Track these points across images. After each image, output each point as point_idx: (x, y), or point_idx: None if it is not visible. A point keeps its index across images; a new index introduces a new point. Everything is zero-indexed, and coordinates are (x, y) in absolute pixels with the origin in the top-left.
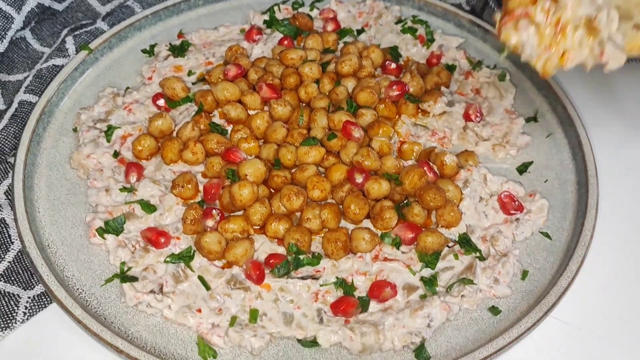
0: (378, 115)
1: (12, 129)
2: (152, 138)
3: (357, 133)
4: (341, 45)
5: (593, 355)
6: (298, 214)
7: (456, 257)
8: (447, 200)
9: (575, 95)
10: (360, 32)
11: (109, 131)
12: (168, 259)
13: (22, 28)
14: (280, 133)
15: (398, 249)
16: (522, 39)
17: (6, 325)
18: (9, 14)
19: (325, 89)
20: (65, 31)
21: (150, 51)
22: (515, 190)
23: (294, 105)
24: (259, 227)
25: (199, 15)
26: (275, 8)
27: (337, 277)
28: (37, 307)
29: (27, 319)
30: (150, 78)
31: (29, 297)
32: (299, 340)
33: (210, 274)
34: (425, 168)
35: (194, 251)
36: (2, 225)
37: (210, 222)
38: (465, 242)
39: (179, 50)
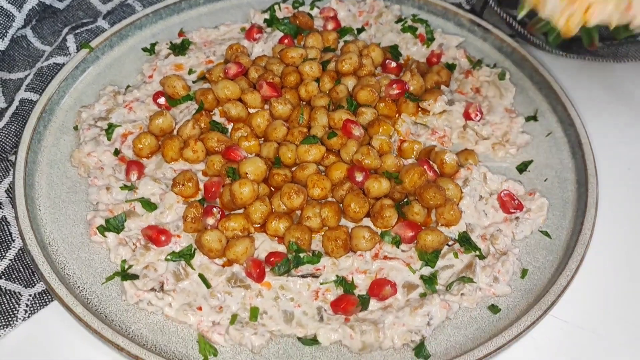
0: (378, 114)
1: (13, 127)
2: (153, 136)
3: (357, 131)
4: (341, 44)
5: (592, 353)
6: (298, 212)
7: (456, 255)
8: (447, 199)
9: (575, 94)
10: (360, 30)
11: (109, 129)
12: (169, 257)
13: (23, 26)
14: (280, 131)
15: (398, 247)
16: None
17: (7, 323)
18: (10, 12)
19: (326, 87)
20: (66, 29)
21: (151, 49)
22: (515, 189)
23: (294, 104)
24: (259, 226)
25: (199, 14)
26: (276, 7)
27: (337, 276)
28: (38, 304)
29: (28, 317)
30: (150, 76)
31: (30, 295)
32: (299, 339)
33: (210, 272)
34: (425, 167)
35: (195, 249)
36: (3, 223)
37: (210, 220)
38: (465, 241)
39: (180, 48)
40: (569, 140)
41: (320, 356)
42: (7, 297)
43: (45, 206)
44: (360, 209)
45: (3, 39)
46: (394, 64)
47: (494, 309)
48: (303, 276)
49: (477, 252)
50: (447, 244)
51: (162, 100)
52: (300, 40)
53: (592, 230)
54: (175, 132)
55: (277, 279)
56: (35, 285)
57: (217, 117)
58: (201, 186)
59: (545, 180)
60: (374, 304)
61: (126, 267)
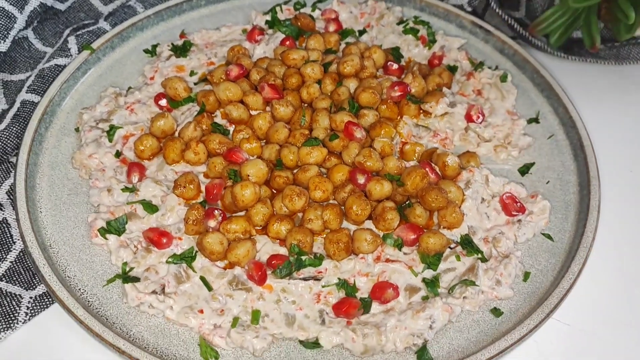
0: (380, 116)
1: (15, 129)
2: (154, 138)
3: (359, 134)
4: (343, 45)
5: (595, 357)
6: (300, 214)
7: (458, 258)
8: (449, 202)
9: (576, 96)
10: (362, 32)
11: (111, 131)
12: (170, 260)
13: (25, 28)
14: (282, 133)
15: (400, 250)
16: None
17: (8, 325)
18: (12, 14)
19: (327, 89)
20: (67, 31)
21: (152, 51)
22: (517, 192)
23: (295, 106)
24: (261, 228)
25: (201, 16)
26: (277, 8)
27: (339, 278)
28: (38, 307)
29: (29, 319)
30: (152, 78)
31: (30, 298)
32: (300, 342)
33: (212, 275)
34: (427, 169)
35: (196, 252)
36: (4, 225)
37: (212, 223)
38: (467, 244)
39: (181, 50)
40: (571, 142)
41: (322, 359)
42: (8, 299)
43: (46, 208)
44: (362, 211)
45: (4, 41)
46: (395, 66)
47: (496, 312)
48: (305, 279)
49: (480, 255)
50: (449, 247)
51: (163, 102)
52: (301, 42)
53: (595, 233)
54: (176, 134)
55: (279, 281)
56: (36, 287)
57: (218, 119)
58: (202, 188)
59: (547, 183)
60: (376, 307)
61: (127, 269)
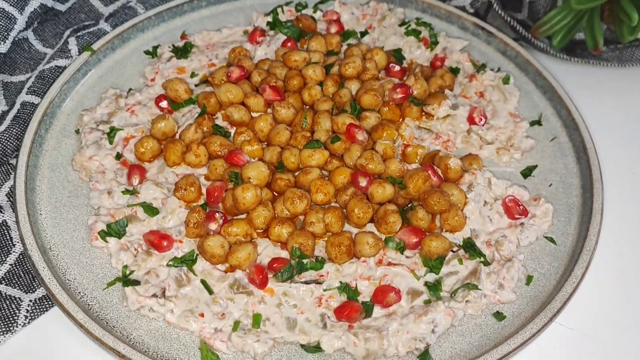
0: (382, 118)
1: (14, 131)
2: (155, 140)
3: (360, 136)
4: (344, 47)
5: None
6: (301, 217)
7: (460, 261)
8: (451, 204)
9: (579, 98)
10: (363, 34)
11: (111, 133)
12: (171, 263)
13: (25, 29)
14: (283, 136)
15: (402, 253)
16: None
17: (7, 328)
18: (12, 15)
19: (329, 91)
20: (67, 32)
21: (153, 52)
22: (520, 194)
23: (297, 108)
24: (262, 231)
25: (202, 17)
26: (279, 10)
27: (340, 282)
28: (38, 310)
29: (29, 323)
30: (153, 80)
31: (30, 301)
32: (302, 346)
33: (213, 278)
34: (429, 172)
35: (197, 255)
36: (4, 227)
37: (213, 226)
38: (469, 247)
39: (182, 51)
40: (574, 144)
41: None
42: (8, 302)
43: (46, 210)
44: (364, 214)
45: (5, 42)
46: (397, 68)
47: (499, 316)
48: (306, 282)
49: (482, 259)
50: (452, 250)
51: (164, 103)
52: (303, 43)
53: (598, 237)
54: (177, 136)
55: (280, 285)
56: (35, 290)
57: (219, 121)
58: (203, 191)
59: (549, 186)
60: (377, 310)
61: (127, 272)
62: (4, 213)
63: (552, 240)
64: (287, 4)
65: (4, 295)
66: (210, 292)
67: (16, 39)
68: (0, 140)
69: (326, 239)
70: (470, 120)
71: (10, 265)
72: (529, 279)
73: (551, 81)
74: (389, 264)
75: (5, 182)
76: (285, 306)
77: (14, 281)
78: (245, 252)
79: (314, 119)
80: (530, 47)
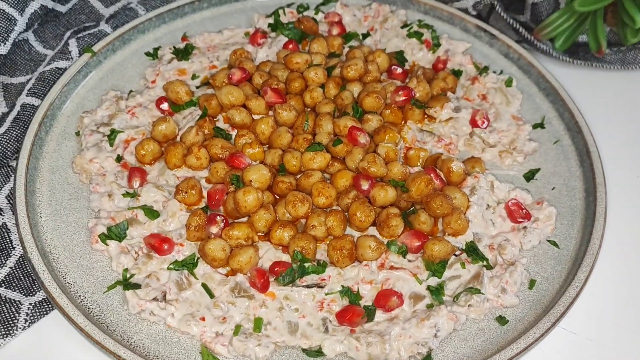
0: (384, 121)
1: (14, 133)
2: (156, 142)
3: (362, 139)
4: (346, 49)
5: None
6: (303, 221)
7: (463, 265)
8: (454, 208)
9: (582, 101)
10: (365, 36)
11: (112, 135)
12: (171, 266)
13: (25, 30)
14: (285, 138)
15: (404, 257)
16: None
17: (7, 332)
18: (12, 16)
19: (331, 93)
20: (68, 33)
21: (153, 54)
22: (523, 198)
23: (299, 110)
24: (263, 234)
25: (203, 18)
26: (280, 11)
27: (342, 286)
28: (38, 313)
29: (29, 326)
30: (153, 81)
31: (30, 304)
32: (303, 350)
33: (214, 282)
34: (432, 175)
35: (198, 258)
36: (4, 230)
37: (214, 229)
38: (472, 251)
39: (183, 53)
40: (577, 147)
41: None
42: (7, 305)
43: (46, 213)
44: (366, 217)
45: (5, 43)
46: (399, 70)
47: (501, 320)
48: (308, 286)
49: (485, 263)
50: (454, 254)
51: (165, 105)
52: (304, 45)
53: (601, 240)
54: (178, 138)
55: (282, 289)
56: (35, 293)
57: (220, 124)
58: (204, 194)
59: (552, 189)
60: (380, 315)
61: (128, 276)
62: (3, 215)
63: (555, 244)
64: (288, 5)
65: (3, 298)
66: (212, 295)
67: (16, 40)
68: (0, 142)
69: (328, 242)
70: (473, 123)
71: (10, 268)
72: (532, 283)
73: (554, 84)
74: (391, 267)
75: (5, 184)
76: (286, 310)
77: (14, 284)
78: (246, 256)
79: (315, 121)
80: (533, 49)
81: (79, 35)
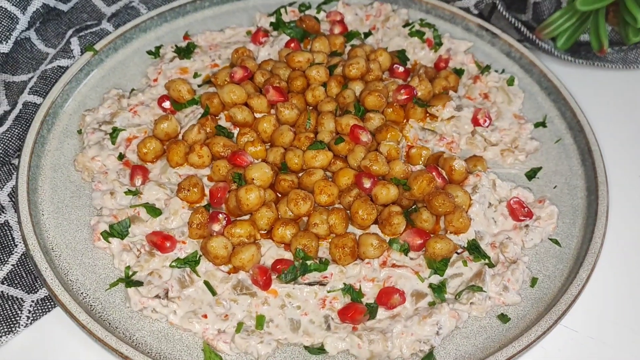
0: (386, 119)
1: (16, 131)
2: (158, 141)
3: (364, 137)
4: (348, 48)
5: None
6: (305, 219)
7: (465, 263)
8: (456, 206)
9: (584, 100)
10: (367, 35)
11: (114, 133)
12: (173, 264)
13: (27, 28)
14: (287, 136)
15: (406, 255)
16: None
17: (9, 329)
18: (14, 15)
19: (333, 92)
20: (70, 32)
21: (155, 53)
22: (525, 196)
23: (300, 109)
24: (265, 232)
25: (204, 17)
26: (282, 10)
27: (344, 284)
28: (40, 311)
29: (31, 323)
30: (155, 80)
31: (32, 301)
32: (305, 347)
33: (216, 279)
34: (433, 173)
35: (200, 256)
36: (6, 227)
37: (216, 227)
38: (474, 249)
39: (185, 52)
40: (579, 146)
41: None
42: (10, 302)
43: (48, 211)
44: (368, 215)
45: (7, 42)
46: (401, 69)
47: (503, 318)
48: (310, 284)
49: (487, 261)
50: (456, 252)
51: (167, 104)
52: (306, 44)
53: (603, 239)
54: (180, 136)
55: (284, 286)
56: (37, 291)
57: (222, 122)
58: (207, 192)
59: (554, 188)
60: (382, 312)
61: (130, 273)
62: (6, 213)
63: (556, 242)
64: (290, 4)
65: (6, 295)
66: (214, 293)
67: (18, 38)
68: (2, 141)
69: (330, 240)
70: (475, 121)
71: (13, 265)
72: (534, 281)
73: (556, 83)
74: (393, 265)
75: (8, 182)
76: (288, 307)
77: (16, 282)
78: (248, 253)
79: (317, 120)
80: (534, 48)
81: (80, 34)
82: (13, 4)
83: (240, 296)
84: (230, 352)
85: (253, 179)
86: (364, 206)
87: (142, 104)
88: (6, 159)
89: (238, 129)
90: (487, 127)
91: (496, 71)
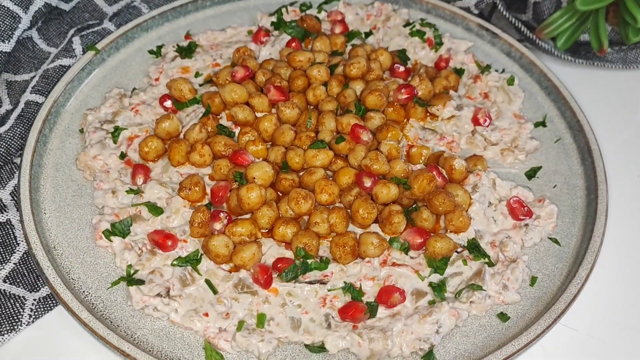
0: (386, 119)
1: (19, 130)
2: (159, 140)
3: (365, 136)
4: (349, 47)
5: None
6: (306, 217)
7: (465, 262)
8: (456, 205)
9: (583, 100)
10: (368, 34)
11: (115, 132)
12: (175, 262)
13: (29, 28)
14: (288, 136)
15: (406, 254)
16: None
17: (11, 327)
18: (16, 14)
19: (334, 91)
20: (72, 31)
21: (157, 52)
22: (524, 196)
23: (301, 108)
24: (266, 231)
25: (206, 17)
26: (283, 10)
27: (345, 282)
28: (42, 309)
29: (33, 322)
30: (157, 79)
31: (34, 299)
32: (306, 346)
33: (217, 278)
34: (434, 172)
35: (201, 254)
36: (8, 226)
37: (217, 225)
38: (474, 248)
39: (186, 51)
40: (578, 146)
41: None
42: (12, 301)
43: (50, 210)
44: (369, 214)
45: (9, 41)
46: (402, 69)
47: (503, 317)
48: (311, 282)
49: (487, 260)
50: (456, 251)
51: (168, 103)
52: (307, 43)
53: (602, 238)
54: (181, 135)
55: (285, 285)
56: (39, 289)
57: (224, 121)
58: (208, 191)
59: (554, 187)
60: (382, 311)
61: (132, 272)
62: (8, 212)
63: (556, 241)
64: (291, 4)
65: (8, 294)
66: (215, 291)
67: (20, 38)
68: (5, 139)
69: (330, 239)
70: (475, 121)
71: (15, 264)
72: (533, 280)
73: (555, 82)
74: (394, 264)
75: (10, 181)
76: (289, 306)
77: (18, 280)
78: (249, 252)
79: (318, 119)
80: (534, 48)
81: (82, 33)
82: (15, 3)
83: (241, 295)
84: (231, 351)
85: (254, 178)
86: (364, 205)
87: (143, 103)
88: (8, 157)
89: (239, 128)
90: (487, 126)
91: (496, 71)
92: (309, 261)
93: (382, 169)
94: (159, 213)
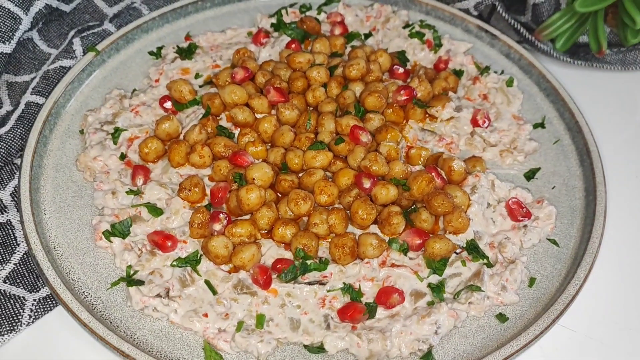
0: (386, 120)
1: (19, 131)
2: (159, 141)
3: (364, 138)
4: (348, 49)
5: None
6: (305, 218)
7: (464, 263)
8: (455, 207)
9: (582, 101)
10: (367, 36)
11: (115, 133)
12: (175, 263)
13: (30, 29)
14: (287, 137)
15: (405, 255)
16: None
17: (11, 327)
18: (17, 15)
19: (333, 93)
20: (72, 32)
21: (157, 53)
22: (523, 197)
23: (301, 109)
24: (266, 232)
25: (206, 18)
26: (283, 11)
27: (344, 283)
28: (42, 309)
29: (33, 322)
30: (157, 80)
31: (34, 300)
32: (305, 346)
33: (217, 279)
34: (433, 174)
35: (201, 255)
36: (8, 227)
37: (217, 226)
38: (473, 249)
39: (187, 52)
40: (577, 147)
41: None
42: (12, 301)
43: (50, 210)
44: (368, 215)
45: (10, 42)
46: (401, 70)
47: (501, 317)
48: (310, 283)
49: (485, 261)
50: (455, 252)
51: (168, 104)
52: (307, 45)
53: (601, 239)
54: (181, 136)
55: (284, 286)
56: (39, 290)
57: (223, 122)
58: (207, 191)
59: (552, 188)
60: (381, 312)
61: (132, 272)
62: (8, 213)
63: (555, 242)
64: (291, 5)
65: (8, 294)
66: (214, 292)
67: (21, 39)
68: (5, 140)
69: (330, 240)
70: (474, 122)
71: (15, 264)
72: (532, 281)
73: (554, 84)
74: (393, 265)
75: (10, 181)
76: (288, 307)
77: (18, 280)
78: (249, 253)
79: (317, 120)
80: (533, 49)
81: (83, 35)
82: (16, 5)
83: (241, 295)
84: (231, 351)
85: (254, 179)
86: (363, 206)
87: (143, 104)
88: (9, 158)
89: (239, 129)
90: (486, 127)
91: (495, 72)
92: (308, 262)
93: (381, 170)
94: (158, 214)
